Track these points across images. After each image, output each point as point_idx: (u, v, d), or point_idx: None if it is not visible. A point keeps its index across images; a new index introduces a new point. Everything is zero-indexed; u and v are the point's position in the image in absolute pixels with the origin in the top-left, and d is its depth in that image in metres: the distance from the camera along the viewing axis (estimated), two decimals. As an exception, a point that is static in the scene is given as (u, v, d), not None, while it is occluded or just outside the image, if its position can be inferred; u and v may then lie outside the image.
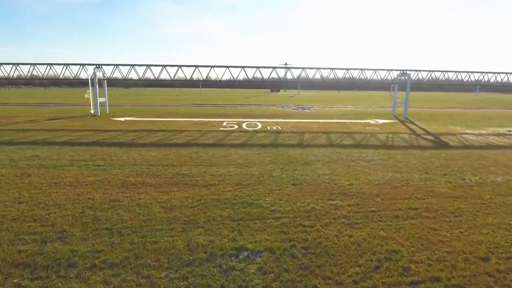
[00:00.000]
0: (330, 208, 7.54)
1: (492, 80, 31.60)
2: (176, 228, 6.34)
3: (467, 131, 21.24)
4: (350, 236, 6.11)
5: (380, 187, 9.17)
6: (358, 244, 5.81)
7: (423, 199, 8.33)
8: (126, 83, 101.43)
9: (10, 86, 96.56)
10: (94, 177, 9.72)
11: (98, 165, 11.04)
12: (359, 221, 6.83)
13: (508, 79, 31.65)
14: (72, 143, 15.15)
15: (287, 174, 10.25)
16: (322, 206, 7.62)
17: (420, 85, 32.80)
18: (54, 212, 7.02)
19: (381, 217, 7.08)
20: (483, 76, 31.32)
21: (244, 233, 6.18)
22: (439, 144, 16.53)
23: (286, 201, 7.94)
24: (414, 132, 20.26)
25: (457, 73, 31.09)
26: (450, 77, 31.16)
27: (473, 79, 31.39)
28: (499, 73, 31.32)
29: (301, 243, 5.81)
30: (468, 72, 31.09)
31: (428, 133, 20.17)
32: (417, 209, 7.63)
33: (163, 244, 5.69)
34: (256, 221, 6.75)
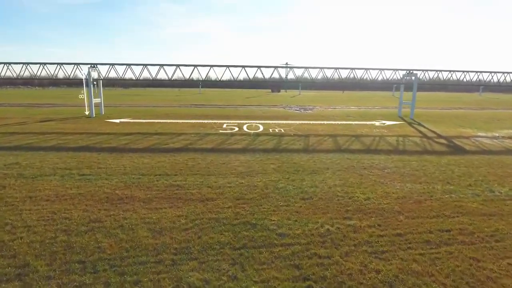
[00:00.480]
0: (348, 230, 6.41)
1: (501, 80, 30.45)
2: (164, 260, 5.21)
3: (479, 133, 20.12)
4: (377, 272, 4.97)
5: (401, 202, 8.04)
6: (389, 285, 4.68)
7: (453, 217, 7.21)
8: (125, 83, 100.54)
9: (8, 86, 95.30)
10: (76, 189, 8.60)
11: (83, 175, 9.91)
12: (385, 249, 5.70)
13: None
14: (59, 148, 14.00)
15: (294, 186, 9.13)
16: (338, 228, 6.50)
17: (422, 85, 31.58)
18: (21, 238, 5.90)
19: (409, 243, 5.96)
20: (492, 76, 30.20)
21: (247, 267, 5.05)
22: (455, 148, 15.39)
23: (296, 220, 6.82)
24: (424, 135, 19.12)
25: (465, 73, 29.96)
26: (458, 77, 30.03)
27: (481, 78, 30.26)
28: (508, 73, 30.19)
29: (318, 283, 4.68)
30: (476, 72, 29.95)
31: (440, 136, 19.03)
32: (449, 231, 6.50)
33: (146, 286, 4.55)
34: (261, 249, 5.62)
